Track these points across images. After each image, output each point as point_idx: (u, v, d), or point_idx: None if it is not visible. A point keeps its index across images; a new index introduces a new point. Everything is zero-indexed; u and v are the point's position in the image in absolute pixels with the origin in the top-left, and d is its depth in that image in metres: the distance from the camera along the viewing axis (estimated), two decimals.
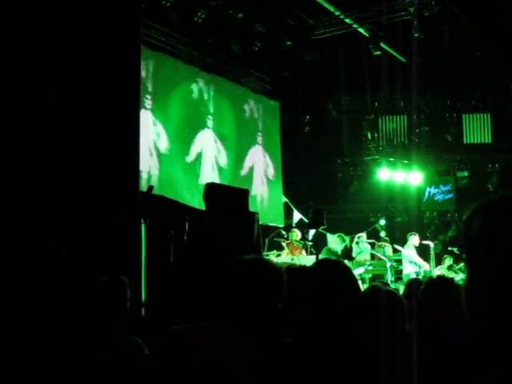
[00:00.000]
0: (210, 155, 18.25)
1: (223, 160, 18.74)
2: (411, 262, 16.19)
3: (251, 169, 19.92)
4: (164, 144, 16.73)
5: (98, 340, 3.92)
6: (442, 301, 4.41)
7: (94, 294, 4.06)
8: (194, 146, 17.78)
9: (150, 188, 8.59)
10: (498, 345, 1.50)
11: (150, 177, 15.94)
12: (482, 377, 1.52)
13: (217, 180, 17.70)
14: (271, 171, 20.72)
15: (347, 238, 17.10)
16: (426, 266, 16.42)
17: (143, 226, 7.23)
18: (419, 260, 16.30)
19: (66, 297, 4.09)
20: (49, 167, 5.97)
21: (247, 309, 3.13)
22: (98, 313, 4.02)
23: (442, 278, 5.05)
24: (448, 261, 17.26)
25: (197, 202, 14.61)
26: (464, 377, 1.72)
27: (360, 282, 15.31)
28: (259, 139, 20.35)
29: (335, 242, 15.66)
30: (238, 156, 19.38)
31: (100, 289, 4.10)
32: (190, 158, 17.65)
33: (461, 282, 14.86)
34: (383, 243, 17.90)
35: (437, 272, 16.22)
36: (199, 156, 17.93)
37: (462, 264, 17.07)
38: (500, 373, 1.48)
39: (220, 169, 18.57)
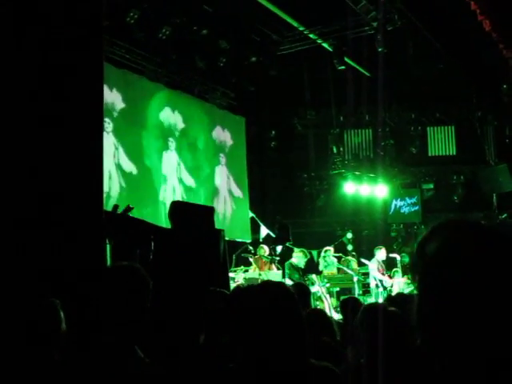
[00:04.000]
0: (173, 176, 18.18)
1: (186, 180, 18.67)
2: (374, 277, 16.26)
3: (215, 188, 19.88)
4: (126, 165, 16.62)
5: (33, 361, 3.94)
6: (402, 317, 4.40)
7: (25, 318, 4.08)
8: (158, 166, 17.74)
9: (115, 207, 8.53)
10: (449, 366, 1.57)
11: (111, 198, 15.80)
12: None
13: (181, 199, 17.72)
14: (236, 190, 20.69)
15: (313, 252, 17.12)
16: (388, 281, 16.46)
17: (108, 247, 7.17)
18: (379, 275, 16.33)
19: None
20: (11, 188, 5.91)
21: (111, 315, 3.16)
22: (31, 336, 4.03)
23: (401, 296, 5.06)
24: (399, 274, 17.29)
25: (164, 221, 14.56)
26: None
27: (328, 296, 15.34)
28: (222, 160, 20.31)
29: (298, 257, 15.61)
30: (201, 176, 19.33)
31: (30, 313, 4.11)
32: (154, 178, 17.60)
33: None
34: (349, 257, 17.94)
35: (395, 285, 16.33)
36: (163, 177, 17.88)
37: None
38: None
39: (184, 189, 18.50)
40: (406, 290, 16.42)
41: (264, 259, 16.46)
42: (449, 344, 1.55)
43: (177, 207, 10.14)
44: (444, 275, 1.56)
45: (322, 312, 7.39)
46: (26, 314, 4.10)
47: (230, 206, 20.27)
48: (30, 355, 3.98)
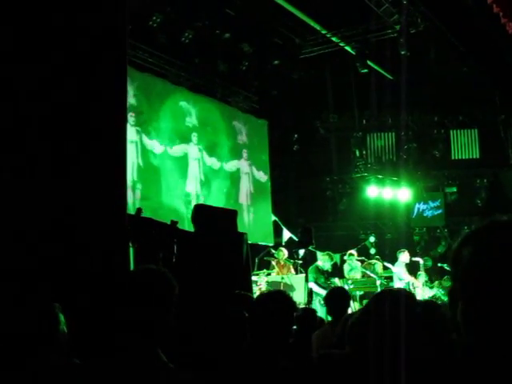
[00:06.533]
0: (195, 172, 18.21)
1: (207, 177, 18.69)
2: (401, 280, 16.13)
3: (236, 189, 19.89)
4: (148, 162, 16.70)
5: (33, 366, 3.96)
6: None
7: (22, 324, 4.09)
8: (180, 164, 17.78)
9: (139, 211, 8.55)
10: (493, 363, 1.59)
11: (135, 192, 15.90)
12: None
13: (203, 196, 17.82)
14: (258, 194, 20.65)
15: (336, 256, 17.04)
16: (415, 283, 16.38)
17: (131, 250, 7.18)
18: (408, 277, 16.26)
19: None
20: (31, 192, 5.93)
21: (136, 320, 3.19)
22: (28, 341, 4.04)
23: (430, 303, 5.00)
24: (422, 277, 17.21)
25: (186, 222, 14.58)
26: None
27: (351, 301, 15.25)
28: (245, 155, 20.28)
29: (323, 260, 15.53)
30: (223, 172, 19.37)
31: (27, 319, 4.12)
32: (176, 174, 17.65)
33: (440, 296, 14.94)
34: (373, 260, 17.85)
35: (418, 289, 16.28)
36: (185, 172, 17.92)
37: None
38: None
39: (206, 184, 18.55)
40: (430, 294, 16.37)
41: (286, 262, 16.43)
42: (497, 346, 1.57)
43: (200, 210, 10.15)
44: (484, 277, 1.58)
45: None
46: (21, 318, 4.11)
47: (252, 209, 20.26)
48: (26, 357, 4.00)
